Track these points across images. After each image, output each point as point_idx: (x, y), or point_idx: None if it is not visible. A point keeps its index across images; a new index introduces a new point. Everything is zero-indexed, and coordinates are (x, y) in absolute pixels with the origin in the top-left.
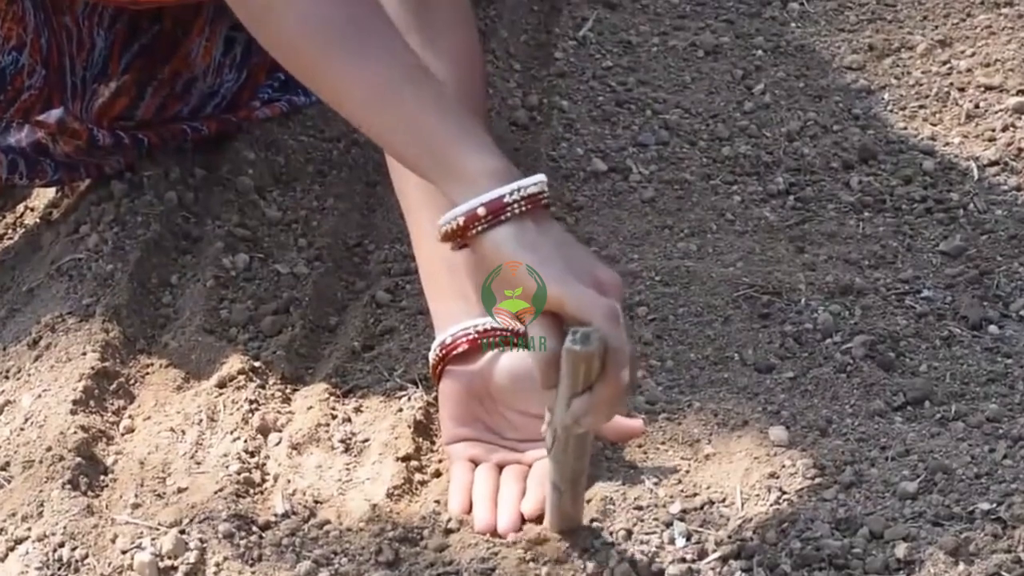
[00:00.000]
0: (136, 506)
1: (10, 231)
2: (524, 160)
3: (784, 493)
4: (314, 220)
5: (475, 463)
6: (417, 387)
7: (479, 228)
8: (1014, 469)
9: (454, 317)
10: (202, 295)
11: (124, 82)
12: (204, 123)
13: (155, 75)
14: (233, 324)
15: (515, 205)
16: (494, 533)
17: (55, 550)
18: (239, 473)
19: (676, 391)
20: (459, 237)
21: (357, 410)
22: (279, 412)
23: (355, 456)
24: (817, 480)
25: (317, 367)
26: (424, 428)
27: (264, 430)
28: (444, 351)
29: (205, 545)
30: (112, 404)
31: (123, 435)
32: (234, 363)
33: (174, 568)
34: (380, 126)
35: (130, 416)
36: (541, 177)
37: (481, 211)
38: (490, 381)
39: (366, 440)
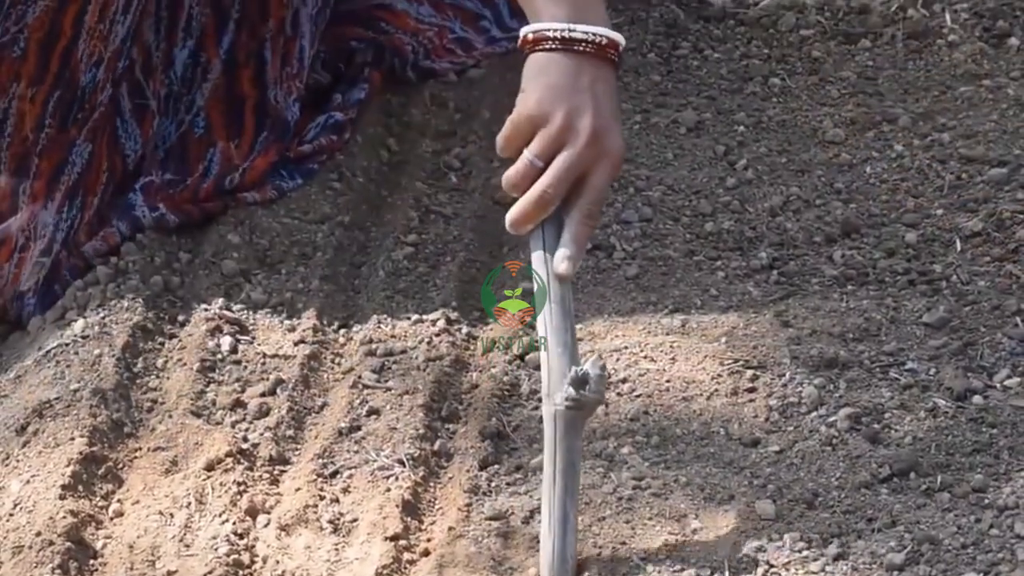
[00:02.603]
0: None
1: None
2: (509, 238)
3: (772, 567)
4: (299, 302)
5: None
6: (404, 466)
7: (526, 49)
8: (1000, 539)
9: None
10: (188, 378)
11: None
12: (200, 204)
13: (262, 36)
14: (220, 407)
15: (551, 41)
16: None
17: None
18: (228, 555)
19: (662, 466)
20: (522, 47)
21: (345, 490)
22: (267, 494)
23: (344, 536)
24: (804, 553)
25: (304, 448)
26: (412, 507)
27: (252, 512)
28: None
29: None
30: (101, 488)
31: (112, 519)
32: (221, 446)
33: None
34: None
35: (119, 500)
36: (604, 31)
37: (530, 36)
38: None
39: (354, 520)
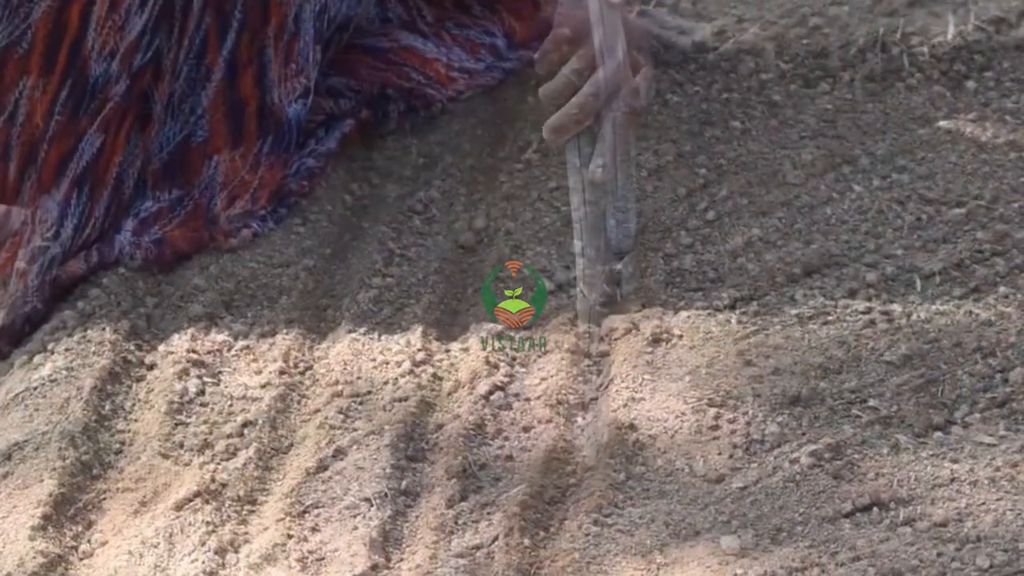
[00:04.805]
0: None
1: None
2: (475, 280)
3: None
4: (265, 344)
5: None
6: (372, 505)
7: None
8: (963, 572)
9: None
10: (156, 420)
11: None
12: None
13: (263, 38)
14: (188, 448)
15: None
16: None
17: None
18: None
19: (628, 503)
20: None
21: (314, 529)
22: (236, 533)
23: (313, 575)
24: None
25: (273, 488)
26: (380, 545)
27: (222, 551)
28: None
29: None
30: (71, 530)
31: (82, 560)
32: (190, 486)
33: None
34: None
35: (89, 541)
36: None
37: None
38: None
39: (323, 559)
